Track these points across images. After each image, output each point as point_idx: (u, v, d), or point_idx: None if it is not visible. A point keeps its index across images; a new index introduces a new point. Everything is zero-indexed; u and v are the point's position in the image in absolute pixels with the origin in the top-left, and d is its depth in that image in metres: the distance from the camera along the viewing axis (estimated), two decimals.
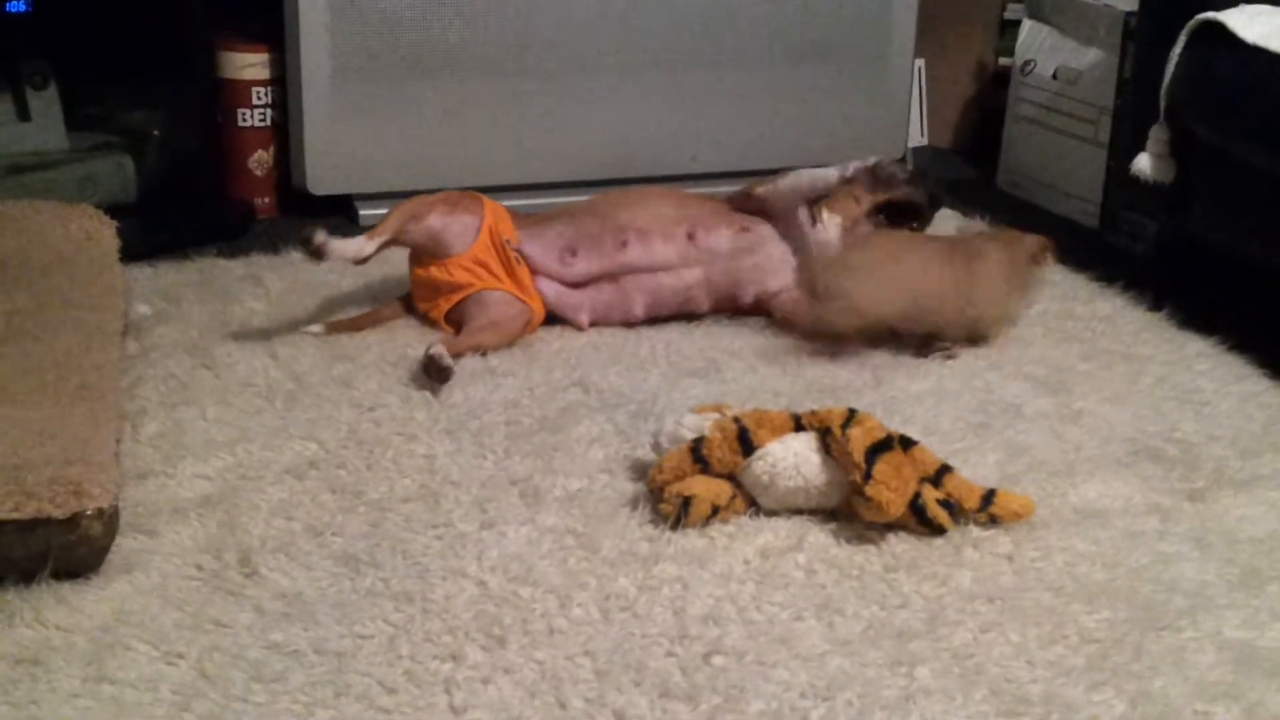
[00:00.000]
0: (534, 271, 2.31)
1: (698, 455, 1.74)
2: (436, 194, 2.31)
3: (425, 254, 2.27)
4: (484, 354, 2.19)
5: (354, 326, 2.27)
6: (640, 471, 1.83)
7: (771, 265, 2.38)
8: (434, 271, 2.26)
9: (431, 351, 2.08)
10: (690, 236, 2.34)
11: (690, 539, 1.69)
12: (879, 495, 1.67)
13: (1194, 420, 2.08)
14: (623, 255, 2.32)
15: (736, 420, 1.76)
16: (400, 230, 2.23)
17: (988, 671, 1.47)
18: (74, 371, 1.80)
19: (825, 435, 1.73)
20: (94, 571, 1.56)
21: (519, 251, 2.29)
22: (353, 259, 2.19)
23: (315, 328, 2.24)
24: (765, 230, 2.39)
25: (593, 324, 2.34)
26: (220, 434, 1.91)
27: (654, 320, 2.36)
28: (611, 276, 2.33)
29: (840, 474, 1.72)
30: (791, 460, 1.73)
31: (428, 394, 2.05)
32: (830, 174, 2.42)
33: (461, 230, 2.26)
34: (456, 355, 2.13)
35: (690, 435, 1.76)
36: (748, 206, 2.42)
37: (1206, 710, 1.43)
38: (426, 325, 2.30)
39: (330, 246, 2.13)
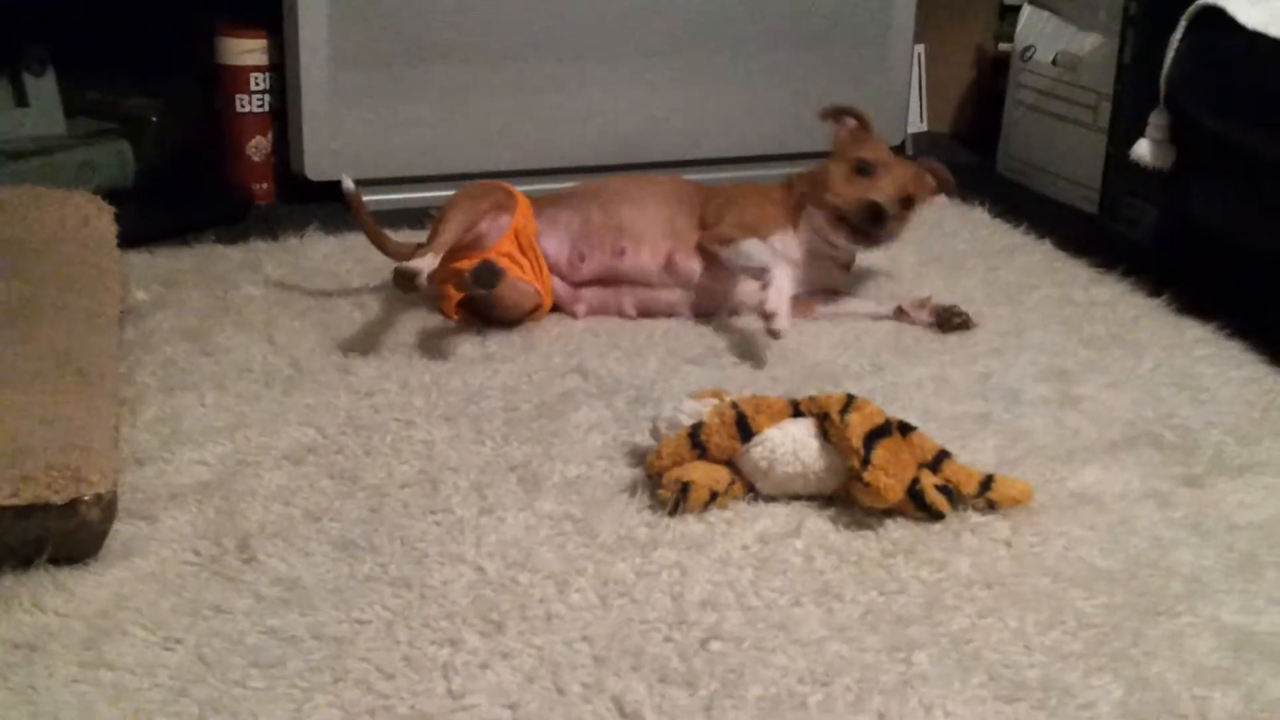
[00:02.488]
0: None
1: (696, 441, 1.74)
2: (481, 196, 2.26)
3: (459, 247, 2.24)
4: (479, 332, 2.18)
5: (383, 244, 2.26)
6: (638, 457, 1.83)
7: (739, 284, 2.36)
8: (462, 263, 2.23)
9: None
10: (669, 260, 2.34)
11: (688, 525, 1.69)
12: (877, 481, 1.67)
13: (1192, 406, 2.08)
14: (618, 263, 2.33)
15: (735, 406, 1.76)
16: (459, 239, 2.20)
17: (985, 657, 1.47)
18: (72, 357, 1.79)
19: (823, 421, 1.73)
20: (92, 557, 1.56)
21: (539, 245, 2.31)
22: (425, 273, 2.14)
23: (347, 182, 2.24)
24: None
25: (587, 315, 2.35)
26: (218, 420, 1.91)
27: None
28: (608, 280, 2.35)
29: (838, 460, 1.72)
30: (790, 446, 1.73)
31: (426, 380, 2.05)
32: (768, 263, 2.22)
33: (499, 229, 2.26)
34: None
35: (688, 421, 1.76)
36: (703, 245, 2.35)
37: (1204, 695, 1.43)
38: (433, 312, 2.30)
39: (420, 276, 2.08)
